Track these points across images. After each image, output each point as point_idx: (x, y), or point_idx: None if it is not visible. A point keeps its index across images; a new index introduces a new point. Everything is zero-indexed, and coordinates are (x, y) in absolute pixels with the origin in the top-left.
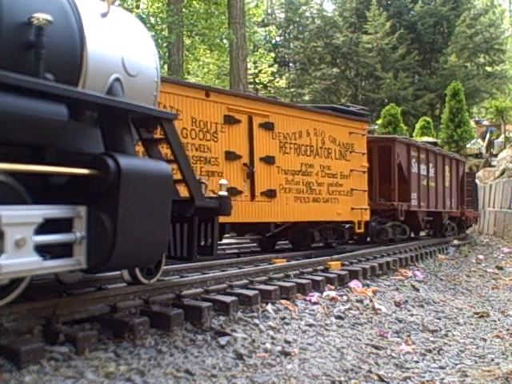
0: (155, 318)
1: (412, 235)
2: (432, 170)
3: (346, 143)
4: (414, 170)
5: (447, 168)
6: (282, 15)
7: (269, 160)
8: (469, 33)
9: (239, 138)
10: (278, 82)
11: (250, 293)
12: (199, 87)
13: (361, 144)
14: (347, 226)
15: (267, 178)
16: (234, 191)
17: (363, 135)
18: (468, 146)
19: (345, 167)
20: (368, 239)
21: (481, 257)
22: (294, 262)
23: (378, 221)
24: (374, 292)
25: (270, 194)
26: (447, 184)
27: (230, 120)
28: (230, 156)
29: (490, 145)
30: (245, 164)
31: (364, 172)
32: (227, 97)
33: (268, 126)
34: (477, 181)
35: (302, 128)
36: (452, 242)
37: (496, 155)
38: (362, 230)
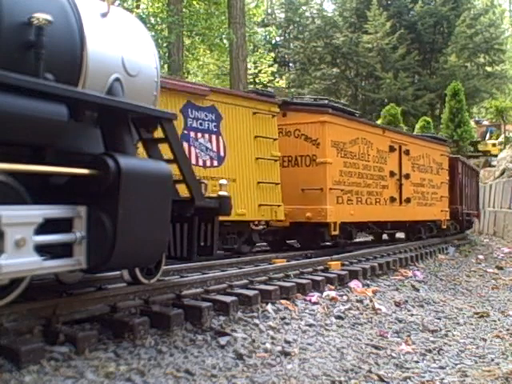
0: (155, 317)
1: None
2: (466, 179)
3: (439, 162)
4: (462, 180)
5: (471, 177)
6: (282, 15)
7: (407, 176)
8: (469, 33)
9: (395, 161)
10: (277, 82)
11: (250, 293)
12: (380, 127)
13: (445, 162)
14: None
15: (406, 189)
16: (392, 199)
17: (446, 156)
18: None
19: (438, 180)
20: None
21: (481, 257)
22: (293, 262)
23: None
24: (374, 292)
25: (408, 200)
26: (472, 190)
27: (391, 148)
28: (392, 174)
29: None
30: (398, 179)
31: (447, 183)
32: (391, 132)
33: (407, 152)
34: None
35: (422, 152)
36: (452, 241)
37: (496, 155)
38: (445, 226)
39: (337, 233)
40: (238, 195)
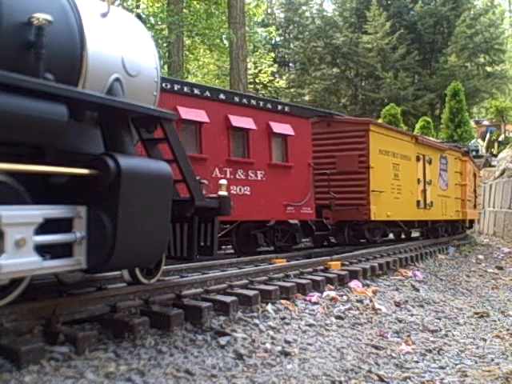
0: (155, 317)
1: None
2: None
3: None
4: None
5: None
6: (282, 15)
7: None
8: (469, 33)
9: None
10: (277, 82)
11: (250, 293)
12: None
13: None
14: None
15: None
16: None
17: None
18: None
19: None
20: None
21: (481, 257)
22: (293, 262)
23: None
24: (374, 292)
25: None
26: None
27: (418, 158)
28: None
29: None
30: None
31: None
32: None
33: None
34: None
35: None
36: (452, 241)
37: (496, 155)
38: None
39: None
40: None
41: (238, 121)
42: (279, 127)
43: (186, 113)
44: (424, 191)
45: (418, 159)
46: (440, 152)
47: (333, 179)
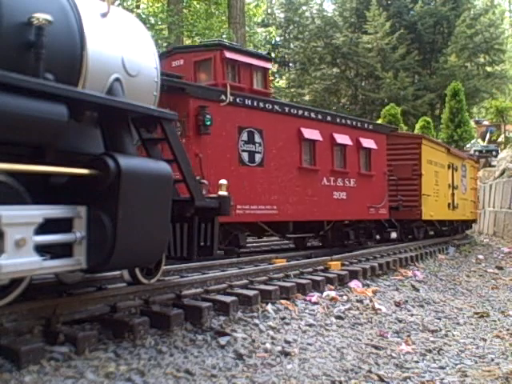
0: (155, 317)
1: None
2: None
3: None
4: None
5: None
6: (282, 15)
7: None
8: (469, 33)
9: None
10: (277, 82)
11: (250, 293)
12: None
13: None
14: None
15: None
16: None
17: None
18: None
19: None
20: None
21: (481, 257)
22: (293, 262)
23: None
24: (374, 292)
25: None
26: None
27: (449, 166)
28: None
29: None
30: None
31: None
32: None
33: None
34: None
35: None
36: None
37: (496, 155)
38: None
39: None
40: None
41: (339, 138)
42: (366, 142)
43: (307, 133)
44: (452, 195)
45: (448, 167)
46: (462, 160)
47: (391, 184)
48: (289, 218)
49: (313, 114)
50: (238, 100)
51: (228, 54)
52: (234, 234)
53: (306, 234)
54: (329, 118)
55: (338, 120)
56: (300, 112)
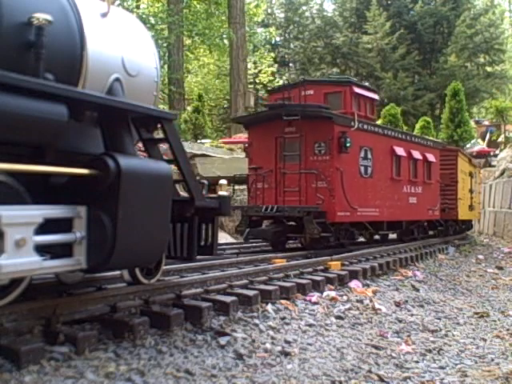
0: (155, 317)
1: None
2: None
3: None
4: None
5: None
6: (282, 15)
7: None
8: (469, 33)
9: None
10: (277, 82)
11: (250, 293)
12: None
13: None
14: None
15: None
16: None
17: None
18: None
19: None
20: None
21: (481, 257)
22: (293, 262)
23: None
24: (374, 292)
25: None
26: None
27: (469, 173)
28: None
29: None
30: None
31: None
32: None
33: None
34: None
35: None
36: (452, 241)
37: (496, 155)
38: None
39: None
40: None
41: (415, 154)
42: (429, 156)
43: (398, 150)
44: (471, 198)
45: (469, 174)
46: (475, 168)
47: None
48: (385, 219)
49: (399, 134)
50: (360, 125)
51: (356, 89)
52: (350, 231)
53: (390, 231)
54: (408, 137)
55: (412, 138)
56: (392, 133)
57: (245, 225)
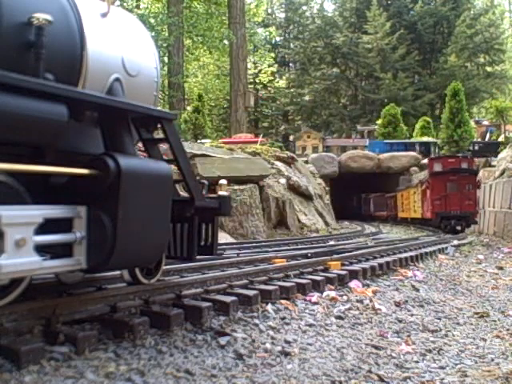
0: (155, 317)
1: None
2: None
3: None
4: None
5: None
6: (282, 15)
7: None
8: (469, 33)
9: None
10: (277, 82)
11: (250, 293)
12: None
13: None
14: None
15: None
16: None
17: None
18: None
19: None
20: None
21: (481, 257)
22: (293, 262)
23: None
24: (374, 292)
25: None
26: None
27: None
28: None
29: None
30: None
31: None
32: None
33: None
34: None
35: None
36: (452, 241)
37: (496, 155)
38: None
39: None
40: None
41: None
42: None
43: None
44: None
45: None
46: None
47: None
48: None
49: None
50: None
51: None
52: None
53: None
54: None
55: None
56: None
57: None
